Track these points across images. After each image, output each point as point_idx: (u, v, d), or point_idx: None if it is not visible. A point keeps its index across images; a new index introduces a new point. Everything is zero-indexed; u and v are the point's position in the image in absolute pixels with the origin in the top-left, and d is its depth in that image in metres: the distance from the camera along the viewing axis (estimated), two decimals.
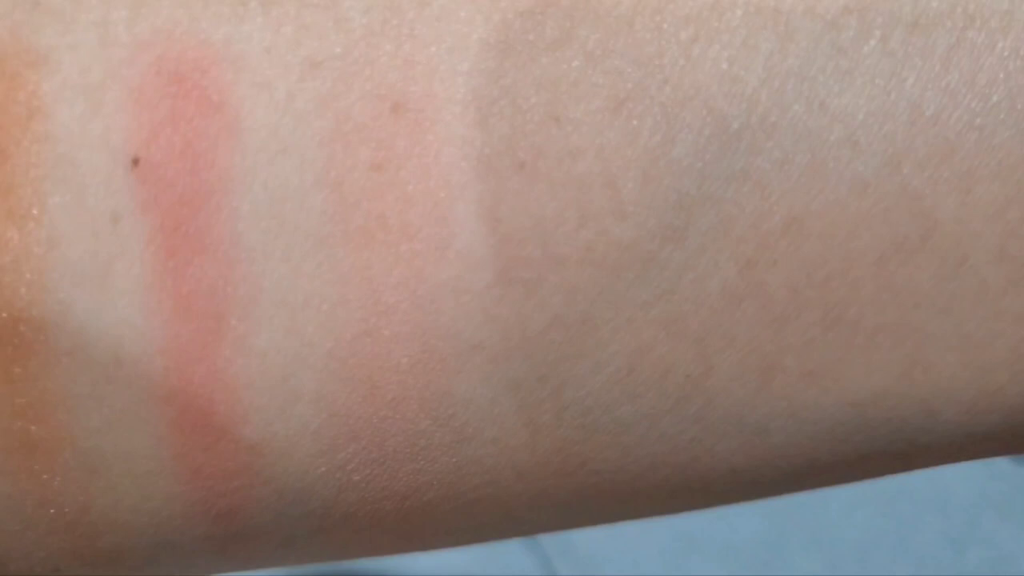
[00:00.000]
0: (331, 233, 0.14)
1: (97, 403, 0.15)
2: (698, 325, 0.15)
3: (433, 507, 0.16)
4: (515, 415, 0.15)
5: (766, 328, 0.15)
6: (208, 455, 0.15)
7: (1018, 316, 0.14)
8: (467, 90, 0.14)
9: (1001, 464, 0.44)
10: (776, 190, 0.14)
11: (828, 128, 0.14)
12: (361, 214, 0.14)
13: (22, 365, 0.14)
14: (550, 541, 0.45)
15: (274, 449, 0.15)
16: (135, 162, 0.14)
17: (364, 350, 0.15)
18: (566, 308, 0.15)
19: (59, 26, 0.14)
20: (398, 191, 0.14)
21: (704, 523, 0.45)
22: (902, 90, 0.14)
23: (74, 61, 0.14)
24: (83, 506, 0.15)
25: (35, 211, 0.14)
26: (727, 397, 0.15)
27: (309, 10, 0.14)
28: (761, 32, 0.14)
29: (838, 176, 0.14)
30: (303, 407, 0.15)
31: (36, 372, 0.14)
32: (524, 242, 0.14)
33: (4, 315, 0.14)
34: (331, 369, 0.15)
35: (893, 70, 0.14)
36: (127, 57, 0.14)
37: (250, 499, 0.15)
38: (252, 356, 0.14)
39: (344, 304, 0.14)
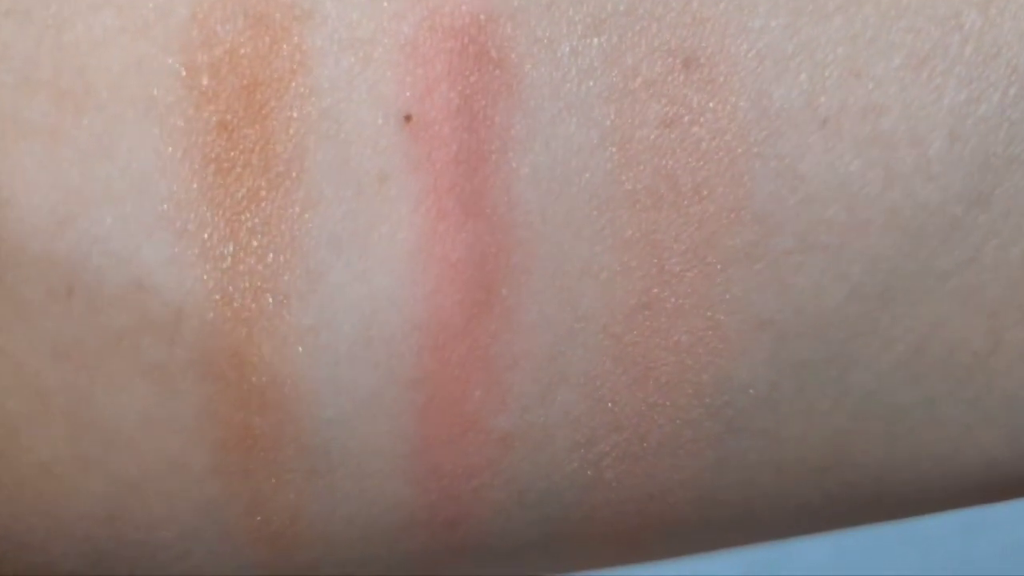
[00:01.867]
0: (615, 194, 0.14)
1: (335, 390, 0.14)
2: (994, 297, 0.14)
3: (678, 507, 0.15)
4: (793, 402, 0.14)
5: None
6: (451, 449, 0.14)
7: None
8: (763, 44, 0.13)
9: None
10: None
11: None
12: (649, 173, 0.13)
13: (257, 345, 0.13)
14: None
15: (527, 441, 0.14)
16: (407, 119, 0.13)
17: (642, 325, 0.14)
18: (867, 277, 0.14)
19: None
20: (690, 148, 0.13)
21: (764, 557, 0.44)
22: None
23: (342, 15, 0.13)
24: (293, 515, 0.14)
25: (294, 168, 0.13)
26: (1007, 378, 0.15)
27: None
28: None
29: None
30: (566, 392, 0.14)
31: (271, 354, 0.13)
32: (826, 203, 0.14)
33: (246, 285, 0.13)
34: (603, 347, 0.14)
35: None
36: (399, 11, 0.13)
37: (485, 504, 0.15)
38: (519, 332, 0.14)
39: (625, 273, 0.14)
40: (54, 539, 0.15)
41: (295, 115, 0.13)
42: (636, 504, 0.15)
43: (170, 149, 0.13)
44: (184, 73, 0.13)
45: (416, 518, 0.15)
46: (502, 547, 0.15)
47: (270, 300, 0.13)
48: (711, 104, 0.13)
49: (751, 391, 0.14)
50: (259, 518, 0.14)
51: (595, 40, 0.13)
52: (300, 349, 0.14)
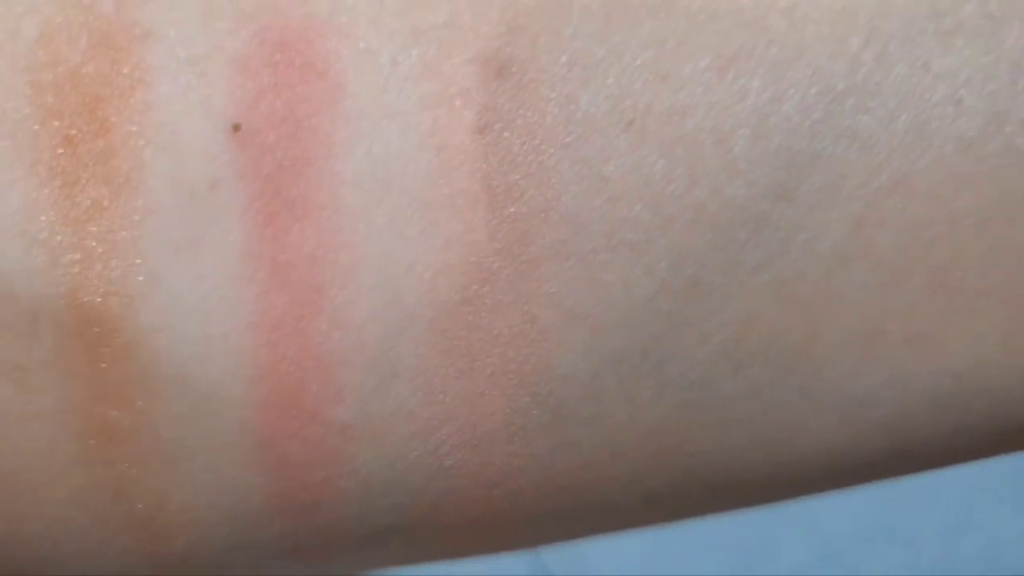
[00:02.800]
0: (435, 197, 0.14)
1: (182, 387, 0.14)
2: (808, 289, 0.14)
3: (524, 494, 0.16)
4: (615, 391, 0.15)
5: (872, 291, 0.15)
6: (295, 442, 0.15)
7: None
8: (572, 51, 0.14)
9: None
10: (883, 149, 0.14)
11: (931, 88, 0.14)
12: (465, 176, 0.14)
13: (109, 344, 0.14)
14: (550, 554, 0.44)
15: (367, 433, 0.15)
16: (236, 128, 0.14)
17: (465, 320, 0.14)
18: (674, 272, 0.14)
19: (163, 2, 0.14)
20: (502, 152, 0.14)
21: (697, 529, 0.45)
22: (1002, 50, 0.14)
23: (178, 34, 0.14)
24: (159, 501, 0.15)
25: (134, 178, 0.14)
26: (831, 366, 0.15)
27: None
28: None
29: (942, 135, 0.14)
30: (399, 385, 0.14)
31: (122, 352, 0.14)
32: (632, 202, 0.14)
33: (95, 289, 0.14)
34: (431, 341, 0.14)
35: (993, 31, 0.14)
36: (230, 28, 0.14)
37: (335, 491, 0.15)
38: (350, 329, 0.14)
39: (446, 271, 0.14)
40: None
41: (135, 129, 0.14)
42: (481, 491, 0.15)
43: (19, 163, 0.14)
44: (30, 91, 0.14)
45: (273, 504, 0.15)
46: (361, 533, 0.16)
47: (117, 303, 0.14)
48: (521, 110, 0.14)
49: (573, 381, 0.15)
50: (126, 505, 0.15)
51: (414, 51, 0.14)
52: (147, 348, 0.14)
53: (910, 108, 0.14)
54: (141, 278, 0.14)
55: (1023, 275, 0.15)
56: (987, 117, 0.14)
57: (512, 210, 0.14)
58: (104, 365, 0.14)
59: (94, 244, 0.14)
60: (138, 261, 0.14)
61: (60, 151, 0.14)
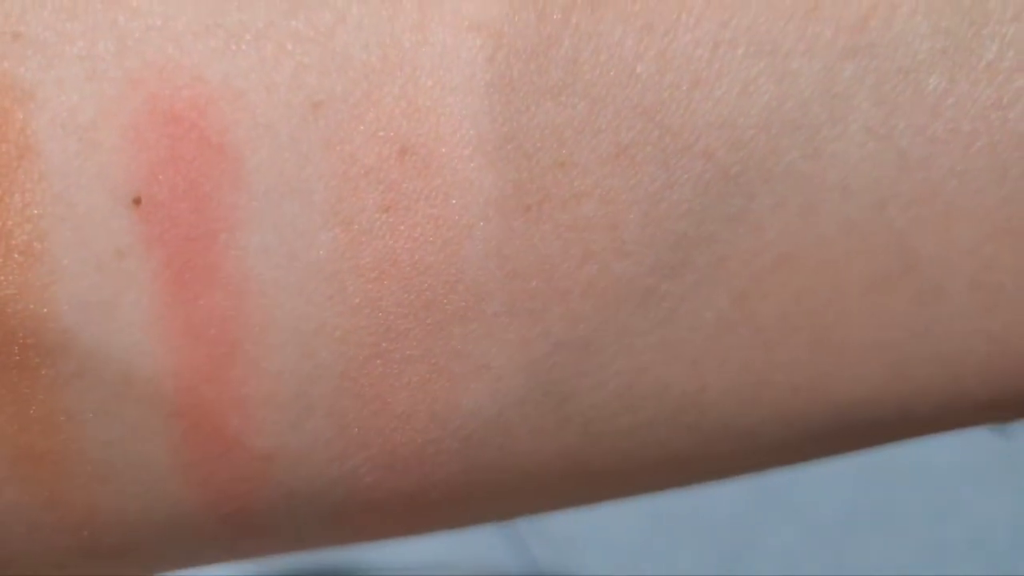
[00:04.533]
0: (341, 268, 0.14)
1: (107, 418, 0.15)
2: (693, 349, 0.15)
3: (440, 505, 0.16)
4: (520, 425, 0.16)
5: (757, 350, 0.15)
6: (220, 463, 0.15)
7: (990, 336, 0.15)
8: (475, 133, 0.14)
9: (980, 434, 0.44)
10: (770, 230, 0.15)
11: (822, 173, 0.14)
12: (371, 252, 0.14)
13: (29, 385, 0.14)
14: (526, 525, 0.44)
15: (286, 458, 0.15)
16: (136, 201, 0.14)
17: (376, 371, 0.15)
18: (568, 334, 0.15)
19: (42, 59, 0.13)
20: (408, 232, 0.14)
21: (681, 502, 0.45)
22: (891, 137, 0.14)
23: (62, 98, 0.13)
24: (91, 509, 0.15)
25: (36, 247, 0.14)
26: (720, 409, 0.16)
27: (305, 45, 0.14)
28: (760, 78, 0.14)
29: (828, 217, 0.15)
30: (315, 421, 0.15)
31: (43, 391, 0.14)
32: (529, 277, 0.15)
33: (9, 342, 0.14)
34: (343, 388, 0.15)
35: (885, 117, 0.14)
36: (118, 94, 0.14)
37: (260, 501, 0.16)
38: (265, 377, 0.15)
39: (356, 331, 0.15)
40: None
41: (28, 199, 0.14)
42: (400, 501, 0.16)
43: None
44: None
45: (202, 511, 0.16)
46: (290, 530, 0.17)
47: (33, 354, 0.14)
48: (426, 192, 0.14)
49: (480, 416, 0.16)
50: (60, 513, 0.15)
51: (314, 126, 0.14)
52: (69, 388, 0.15)
53: (799, 192, 0.15)
54: (55, 335, 0.14)
55: (901, 334, 0.15)
56: (871, 200, 0.15)
57: (418, 281, 0.15)
58: (26, 403, 0.15)
59: (4, 306, 0.14)
60: (50, 321, 0.14)
61: None
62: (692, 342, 0.15)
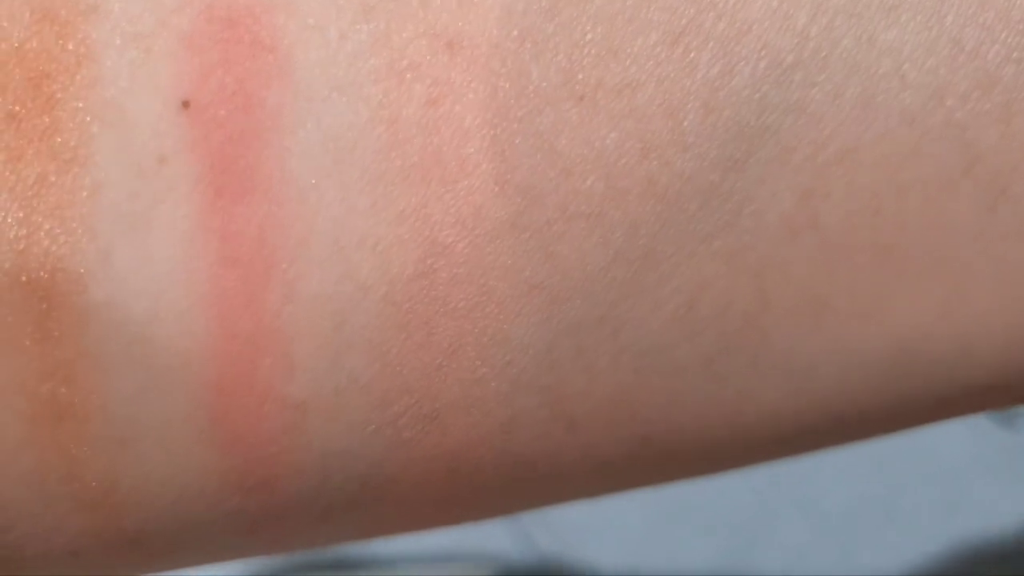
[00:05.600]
0: (386, 170, 0.14)
1: (132, 364, 0.14)
2: (757, 259, 0.15)
3: (482, 466, 0.16)
4: (572, 360, 0.15)
5: (820, 264, 0.15)
6: (249, 418, 0.14)
7: None
8: (523, 24, 0.14)
9: (984, 424, 0.44)
10: (830, 122, 0.14)
11: (877, 62, 0.14)
12: (416, 149, 0.14)
13: (57, 320, 0.14)
14: (530, 515, 0.44)
15: (321, 407, 0.15)
16: (185, 104, 0.14)
17: (421, 293, 0.14)
18: (628, 243, 0.14)
19: None
20: (454, 125, 0.14)
21: (688, 494, 0.45)
22: (943, 26, 0.14)
23: (124, 10, 0.14)
24: (110, 481, 0.15)
25: (81, 154, 0.14)
26: (779, 336, 0.15)
27: None
28: None
29: (887, 109, 0.14)
30: (354, 358, 0.14)
31: (70, 328, 0.14)
32: (584, 175, 0.14)
33: (42, 265, 0.14)
34: (386, 315, 0.14)
35: (934, 7, 0.14)
36: (177, 6, 0.14)
37: (290, 466, 0.15)
38: (302, 303, 0.14)
39: (400, 244, 0.14)
40: None
41: (81, 105, 0.14)
42: (440, 462, 0.16)
43: None
44: None
45: (226, 482, 0.15)
46: (316, 509, 0.16)
47: (64, 279, 0.14)
48: (472, 84, 0.14)
49: (531, 351, 0.15)
50: (77, 486, 0.15)
51: (363, 26, 0.14)
52: (96, 326, 0.14)
53: (856, 82, 0.14)
54: (90, 254, 0.14)
55: (961, 245, 0.15)
56: (929, 91, 0.14)
57: (465, 183, 0.14)
58: (51, 343, 0.14)
59: (41, 219, 0.14)
60: (87, 237, 0.14)
61: (4, 127, 0.13)
62: (756, 249, 0.15)
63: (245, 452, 0.15)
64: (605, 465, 0.16)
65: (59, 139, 0.14)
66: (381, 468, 0.15)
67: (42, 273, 0.14)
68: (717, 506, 0.46)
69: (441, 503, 0.16)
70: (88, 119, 0.14)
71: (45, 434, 0.14)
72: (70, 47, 0.14)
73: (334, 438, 0.15)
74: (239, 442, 0.15)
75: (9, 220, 0.14)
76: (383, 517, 0.17)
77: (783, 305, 0.15)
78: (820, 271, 0.15)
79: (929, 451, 0.46)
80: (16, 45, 0.13)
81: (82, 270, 0.14)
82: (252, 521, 0.16)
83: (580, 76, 0.14)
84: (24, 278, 0.14)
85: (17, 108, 0.14)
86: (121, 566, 0.16)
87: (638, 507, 0.46)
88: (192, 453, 0.15)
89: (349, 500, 0.16)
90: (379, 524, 0.17)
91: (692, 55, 0.14)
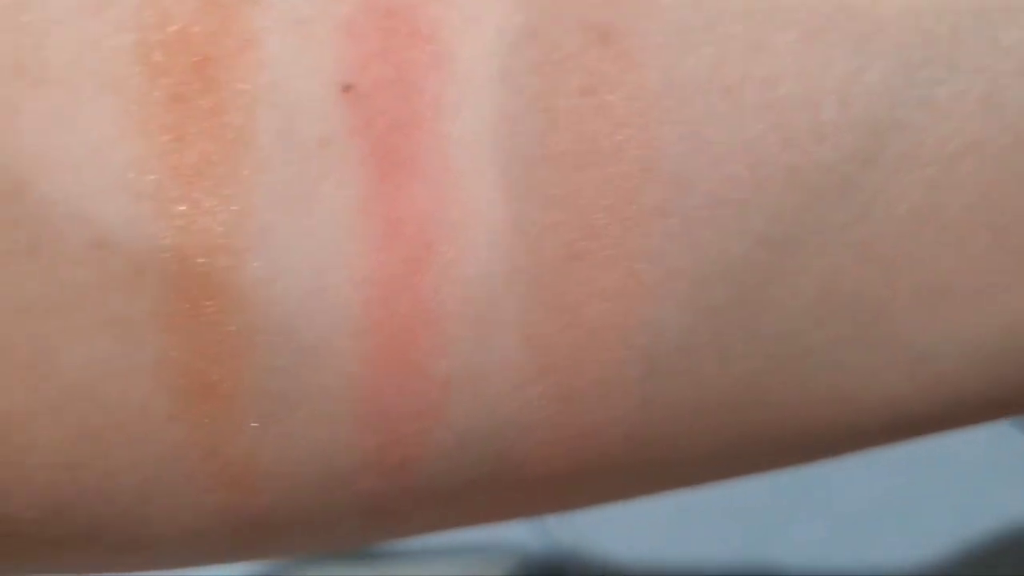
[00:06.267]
0: (542, 156, 0.14)
1: (288, 339, 0.14)
2: (885, 248, 0.15)
3: (611, 449, 0.16)
4: (708, 345, 0.15)
5: (941, 251, 0.15)
6: (397, 393, 0.15)
7: None
8: (674, 17, 0.14)
9: (1007, 431, 0.44)
10: (956, 117, 0.15)
11: (1000, 60, 0.15)
12: (571, 137, 0.14)
13: (212, 296, 0.14)
14: (556, 522, 0.44)
15: (466, 385, 0.15)
16: (346, 88, 0.14)
17: (571, 275, 0.15)
18: (770, 229, 0.15)
19: None
20: (607, 114, 0.14)
21: (705, 496, 0.45)
22: None
23: None
24: (252, 458, 0.15)
25: (244, 135, 0.14)
26: (902, 323, 0.16)
27: None
28: None
29: (1010, 104, 0.15)
30: (502, 338, 0.15)
31: (227, 306, 0.14)
32: (731, 162, 0.15)
33: (202, 243, 0.14)
34: (536, 296, 0.15)
35: None
36: None
37: (429, 446, 0.15)
38: (457, 284, 0.14)
39: (553, 228, 0.15)
40: (16, 490, 0.15)
41: (245, 87, 0.14)
42: (570, 443, 0.16)
43: (127, 119, 0.14)
44: (138, 50, 0.14)
45: (366, 460, 0.15)
46: (448, 487, 0.16)
47: (224, 256, 0.14)
48: (625, 75, 0.14)
49: (669, 334, 0.15)
50: (219, 463, 0.15)
51: (518, 17, 0.14)
52: (253, 302, 0.14)
53: (980, 79, 0.15)
54: (250, 232, 0.14)
55: None
56: None
57: (617, 169, 0.14)
58: (208, 319, 0.14)
59: (202, 198, 0.14)
60: (248, 215, 0.14)
61: (169, 108, 0.14)
62: (884, 239, 0.15)
63: (389, 430, 0.15)
64: (722, 449, 0.17)
65: (223, 120, 0.14)
66: (513, 449, 0.16)
67: (201, 250, 0.14)
68: (734, 503, 0.46)
69: (565, 486, 0.17)
70: (251, 101, 0.14)
71: (193, 410, 0.15)
72: (234, 31, 0.14)
73: (474, 417, 0.15)
74: (385, 419, 0.15)
75: (171, 197, 0.14)
76: (506, 500, 0.17)
77: (907, 292, 0.16)
78: (943, 259, 0.15)
79: (949, 454, 0.46)
80: (182, 28, 0.14)
81: (241, 248, 0.14)
82: (379, 503, 0.16)
83: (726, 69, 0.14)
84: (183, 255, 0.14)
85: (182, 90, 0.14)
86: (240, 549, 0.17)
87: (655, 502, 0.46)
88: (337, 430, 0.15)
89: (477, 482, 0.16)
90: (500, 508, 0.17)
91: (828, 52, 0.15)
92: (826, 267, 0.15)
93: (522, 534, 0.43)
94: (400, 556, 0.43)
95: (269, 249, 0.14)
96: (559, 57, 0.14)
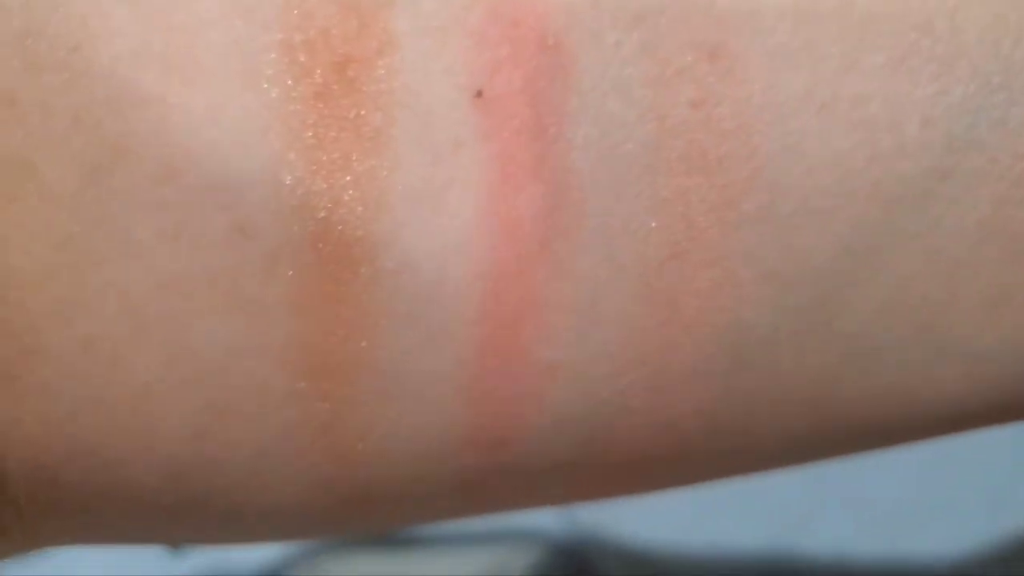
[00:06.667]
0: (653, 163, 0.15)
1: (412, 323, 0.15)
2: (951, 257, 0.16)
3: (692, 437, 0.17)
4: (788, 342, 0.16)
5: (1005, 261, 0.16)
6: (504, 377, 0.16)
7: None
8: (772, 43, 0.15)
9: None
10: None
11: None
12: (681, 145, 0.15)
13: (345, 283, 0.15)
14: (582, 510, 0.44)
15: (567, 373, 0.16)
16: (478, 94, 0.15)
17: (671, 274, 0.16)
18: (853, 238, 0.16)
19: None
20: (714, 126, 0.15)
21: (734, 488, 0.44)
22: None
23: (420, 5, 0.15)
24: (362, 435, 0.16)
25: (383, 135, 0.15)
26: (963, 327, 0.17)
27: None
28: (1013, 2, 0.16)
29: None
30: (603, 330, 0.16)
31: (356, 290, 0.15)
32: (824, 175, 0.16)
33: (339, 234, 0.15)
34: (638, 292, 0.16)
35: None
36: (467, 4, 0.15)
37: (528, 427, 0.16)
38: (566, 280, 0.15)
39: (658, 230, 0.16)
40: (140, 457, 0.16)
41: (383, 88, 0.15)
42: (655, 430, 0.17)
43: (271, 115, 0.14)
44: (282, 49, 0.14)
45: (466, 438, 0.16)
46: (540, 467, 0.17)
47: (359, 248, 0.15)
48: (731, 91, 0.15)
49: (756, 331, 0.16)
50: (330, 439, 0.16)
51: (635, 34, 0.15)
52: (381, 290, 0.15)
53: None
54: (384, 226, 0.15)
55: None
56: None
57: (722, 178, 0.16)
58: (336, 303, 0.15)
59: (341, 192, 0.15)
60: (384, 212, 0.15)
61: (311, 106, 0.15)
62: (951, 249, 0.16)
63: (493, 409, 0.16)
64: (798, 438, 0.18)
65: (363, 119, 0.15)
66: (601, 434, 0.17)
67: (338, 241, 0.15)
68: (762, 495, 0.45)
69: (646, 471, 0.18)
70: (390, 103, 0.15)
71: (313, 388, 0.15)
72: (373, 34, 0.15)
73: (570, 402, 0.16)
74: (490, 399, 0.16)
75: (315, 190, 0.15)
76: (591, 482, 0.18)
77: (969, 300, 0.17)
78: (1004, 270, 0.17)
79: (977, 450, 0.45)
80: (322, 30, 0.15)
81: (376, 240, 0.15)
82: (477, 478, 0.17)
83: (821, 87, 0.16)
84: (321, 244, 0.15)
85: (324, 89, 0.15)
86: (344, 520, 0.17)
87: (681, 490, 0.46)
88: (446, 408, 0.16)
89: (567, 464, 0.17)
90: (584, 489, 0.18)
91: (913, 74, 0.16)
92: (898, 273, 0.16)
93: (547, 521, 0.43)
94: (427, 543, 0.43)
95: (400, 243, 0.15)
96: (671, 72, 0.15)
